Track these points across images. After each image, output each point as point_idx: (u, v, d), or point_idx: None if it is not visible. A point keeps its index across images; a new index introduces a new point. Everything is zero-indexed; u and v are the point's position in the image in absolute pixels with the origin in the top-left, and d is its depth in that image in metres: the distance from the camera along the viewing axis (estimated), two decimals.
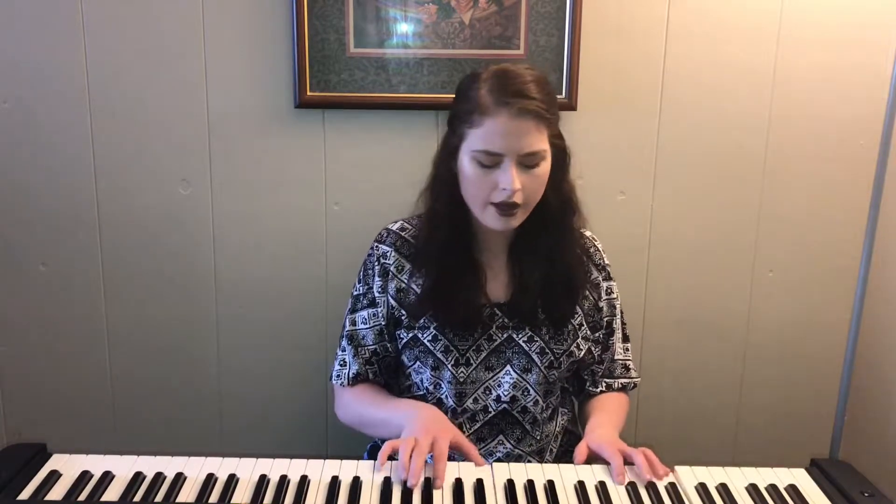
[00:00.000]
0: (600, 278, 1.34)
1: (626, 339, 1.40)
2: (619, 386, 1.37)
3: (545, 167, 1.19)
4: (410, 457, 1.07)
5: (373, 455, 1.40)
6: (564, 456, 1.36)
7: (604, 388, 1.36)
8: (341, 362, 1.34)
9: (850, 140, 1.63)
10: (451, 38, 1.52)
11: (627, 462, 1.13)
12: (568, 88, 1.54)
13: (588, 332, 1.32)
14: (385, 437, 1.34)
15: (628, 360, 1.39)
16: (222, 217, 1.62)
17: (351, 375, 1.32)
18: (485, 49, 1.53)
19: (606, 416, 1.30)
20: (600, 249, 1.37)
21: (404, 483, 1.06)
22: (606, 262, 1.36)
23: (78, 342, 1.66)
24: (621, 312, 1.39)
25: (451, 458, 1.13)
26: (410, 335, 1.27)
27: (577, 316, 1.30)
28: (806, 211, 1.67)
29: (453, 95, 1.25)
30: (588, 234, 1.37)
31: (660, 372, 1.72)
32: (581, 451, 1.18)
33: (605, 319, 1.35)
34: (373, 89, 1.54)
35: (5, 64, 1.52)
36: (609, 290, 1.35)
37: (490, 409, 1.28)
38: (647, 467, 1.11)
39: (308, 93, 1.53)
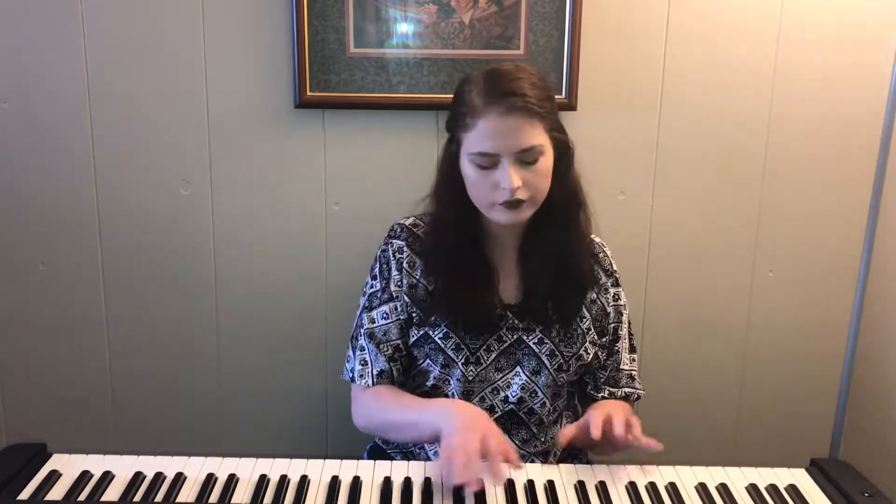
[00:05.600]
0: (609, 283, 1.33)
1: (632, 349, 1.39)
2: (623, 395, 1.35)
3: (545, 162, 1.18)
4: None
5: (373, 455, 1.40)
6: (568, 459, 1.36)
7: (606, 396, 1.35)
8: (362, 362, 1.28)
9: (850, 140, 1.63)
10: (451, 38, 1.52)
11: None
12: (568, 88, 1.54)
13: (595, 337, 1.31)
14: (413, 441, 1.31)
15: (633, 370, 1.38)
16: (222, 217, 1.61)
17: (376, 374, 1.27)
18: (485, 49, 1.53)
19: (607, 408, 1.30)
20: (609, 255, 1.36)
21: (405, 482, 1.06)
22: (615, 268, 1.35)
23: (78, 342, 1.66)
24: (629, 322, 1.38)
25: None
26: (421, 332, 1.26)
27: (585, 319, 1.29)
28: (806, 211, 1.67)
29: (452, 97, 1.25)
30: (598, 240, 1.36)
31: (660, 372, 1.72)
32: (566, 430, 1.16)
33: (612, 326, 1.34)
34: (373, 89, 1.54)
35: (5, 64, 1.52)
36: (616, 297, 1.34)
37: (497, 409, 1.28)
38: (622, 434, 1.12)
39: (308, 93, 1.53)
